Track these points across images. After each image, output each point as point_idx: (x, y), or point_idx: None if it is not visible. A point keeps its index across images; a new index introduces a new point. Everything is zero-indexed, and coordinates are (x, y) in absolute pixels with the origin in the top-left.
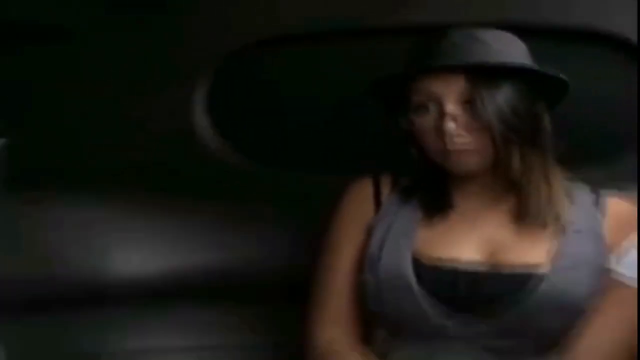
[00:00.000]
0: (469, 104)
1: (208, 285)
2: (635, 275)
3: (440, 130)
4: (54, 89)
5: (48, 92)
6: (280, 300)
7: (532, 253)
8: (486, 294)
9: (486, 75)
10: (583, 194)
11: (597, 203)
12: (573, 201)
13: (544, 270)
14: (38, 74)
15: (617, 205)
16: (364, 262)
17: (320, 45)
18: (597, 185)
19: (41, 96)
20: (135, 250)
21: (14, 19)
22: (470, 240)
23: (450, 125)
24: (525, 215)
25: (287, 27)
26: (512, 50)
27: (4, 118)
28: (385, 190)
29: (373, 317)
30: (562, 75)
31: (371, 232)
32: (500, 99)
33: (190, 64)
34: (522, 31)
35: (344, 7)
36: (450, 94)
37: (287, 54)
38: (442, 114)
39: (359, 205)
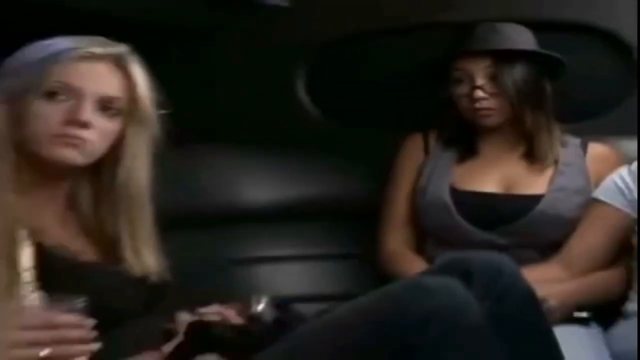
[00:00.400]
0: (492, 77)
1: (309, 209)
2: (612, 197)
3: (472, 97)
4: (198, 74)
5: (193, 76)
6: (359, 220)
7: (536, 183)
8: (502, 211)
9: (505, 57)
10: (573, 141)
11: (582, 147)
12: (565, 146)
13: (542, 194)
14: (186, 63)
15: (597, 148)
16: (417, 192)
17: (386, 37)
18: (584, 136)
19: (189, 79)
20: (258, 184)
21: (168, 23)
22: (492, 176)
23: (479, 93)
24: (533, 157)
25: (364, 25)
26: (523, 38)
27: (171, 98)
28: (432, 141)
29: (423, 231)
30: (559, 56)
31: (421, 171)
32: (516, 74)
33: (294, 51)
34: (531, 25)
35: (396, 9)
36: (479, 71)
37: (363, 45)
38: (473, 85)
39: (412, 152)
